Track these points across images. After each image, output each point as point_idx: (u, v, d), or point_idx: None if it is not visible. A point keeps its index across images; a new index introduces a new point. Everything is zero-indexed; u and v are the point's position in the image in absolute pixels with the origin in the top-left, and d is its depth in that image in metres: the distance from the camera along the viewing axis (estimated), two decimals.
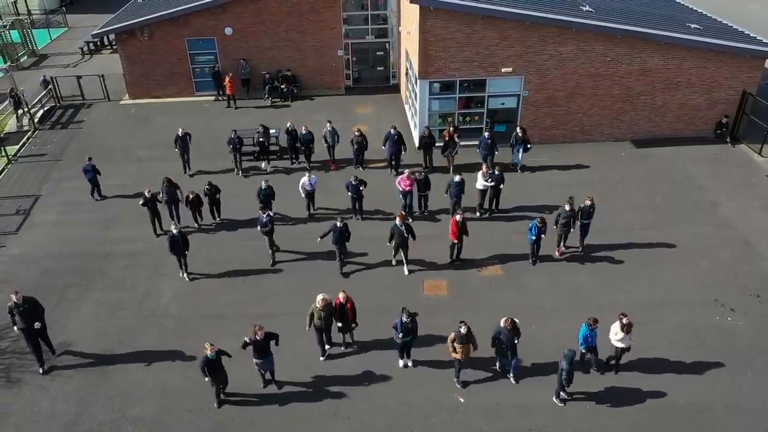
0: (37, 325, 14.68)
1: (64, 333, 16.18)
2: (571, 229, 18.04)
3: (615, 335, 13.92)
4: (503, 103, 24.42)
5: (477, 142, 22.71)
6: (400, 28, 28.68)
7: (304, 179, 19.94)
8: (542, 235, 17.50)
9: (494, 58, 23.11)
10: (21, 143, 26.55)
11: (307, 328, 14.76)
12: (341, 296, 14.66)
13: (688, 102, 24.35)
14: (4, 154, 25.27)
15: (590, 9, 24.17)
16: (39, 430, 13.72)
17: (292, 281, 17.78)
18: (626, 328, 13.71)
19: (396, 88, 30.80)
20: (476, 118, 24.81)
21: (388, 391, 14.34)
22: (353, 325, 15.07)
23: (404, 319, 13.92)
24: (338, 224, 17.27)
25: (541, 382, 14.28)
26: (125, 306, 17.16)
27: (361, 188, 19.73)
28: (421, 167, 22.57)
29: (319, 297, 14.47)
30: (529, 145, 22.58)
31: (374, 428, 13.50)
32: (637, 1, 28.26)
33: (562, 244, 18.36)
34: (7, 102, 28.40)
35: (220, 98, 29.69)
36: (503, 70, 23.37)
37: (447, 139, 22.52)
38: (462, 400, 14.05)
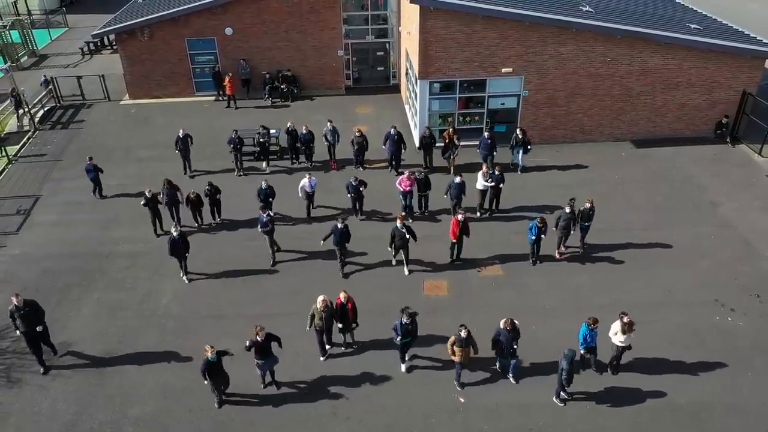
0: (39, 328, 14.69)
1: (65, 333, 16.19)
2: (572, 232, 18.07)
3: (615, 335, 13.93)
4: (503, 104, 24.43)
5: (477, 143, 22.73)
6: (400, 29, 28.69)
7: (305, 181, 19.94)
8: (542, 236, 17.50)
9: (494, 59, 23.12)
10: (21, 143, 26.57)
11: (307, 328, 14.77)
12: (342, 296, 14.67)
13: (688, 102, 24.35)
14: (4, 154, 25.28)
15: (590, 9, 24.18)
16: (39, 430, 13.73)
17: (292, 281, 17.79)
18: (627, 327, 13.71)
19: (396, 88, 30.81)
20: (476, 118, 24.82)
21: (387, 391, 14.35)
22: (353, 325, 15.08)
23: (404, 320, 13.92)
24: (339, 225, 17.28)
25: (541, 382, 14.29)
26: (125, 306, 17.17)
27: (361, 189, 19.74)
28: (422, 167, 22.58)
29: (320, 298, 14.48)
30: (529, 147, 22.59)
31: (374, 428, 13.50)
32: (637, 1, 28.27)
33: (562, 245, 18.37)
34: (9, 101, 28.45)
35: (220, 98, 29.70)
36: (503, 70, 23.38)
37: (447, 140, 22.54)
38: (462, 400, 14.06)
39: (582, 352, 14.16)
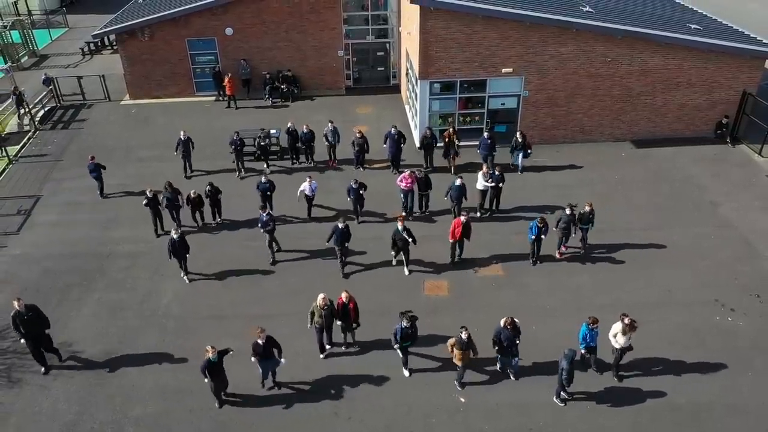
0: (47, 331, 14.73)
1: (65, 333, 16.20)
2: (572, 235, 18.09)
3: (614, 336, 13.90)
4: (504, 104, 24.45)
5: (477, 143, 22.74)
6: (400, 29, 28.70)
7: (305, 184, 19.92)
8: (542, 236, 17.51)
9: (495, 59, 23.14)
10: (22, 143, 26.58)
11: (308, 326, 14.79)
12: (344, 296, 14.67)
13: (688, 102, 24.37)
14: (5, 154, 25.29)
15: (590, 9, 24.19)
16: (40, 430, 13.74)
17: (292, 281, 17.80)
18: (629, 328, 13.69)
19: (396, 89, 30.82)
20: (476, 118, 24.84)
21: (388, 391, 14.36)
22: (354, 325, 15.08)
23: (404, 324, 13.90)
24: (340, 225, 17.31)
25: (541, 382, 14.30)
26: (126, 306, 17.18)
27: (361, 192, 19.76)
28: (422, 167, 22.58)
29: (320, 296, 14.50)
30: (529, 151, 22.61)
31: (374, 428, 13.51)
32: (637, 1, 28.28)
33: (562, 245, 18.38)
34: (10, 100, 28.52)
35: (220, 99, 29.71)
36: (504, 70, 23.39)
37: (447, 140, 22.56)
38: (463, 400, 14.07)
39: (582, 351, 14.18)
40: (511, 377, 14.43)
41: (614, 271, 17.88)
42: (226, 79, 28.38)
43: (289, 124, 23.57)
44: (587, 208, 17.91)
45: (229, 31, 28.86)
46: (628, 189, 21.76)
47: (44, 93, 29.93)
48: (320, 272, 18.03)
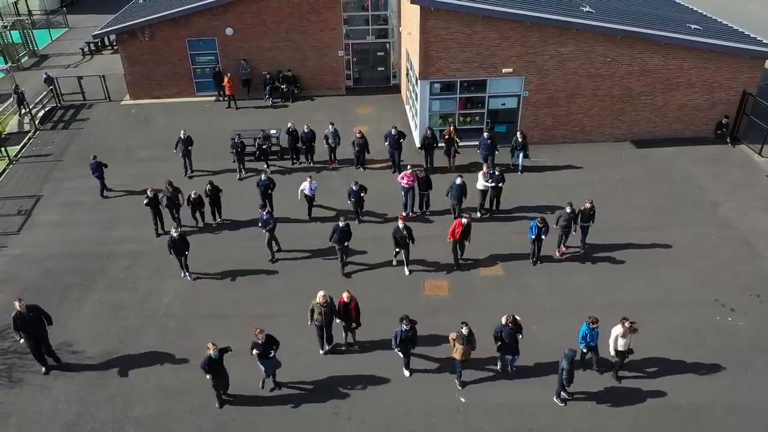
0: (48, 332, 14.75)
1: (66, 333, 16.21)
2: (572, 233, 18.10)
3: (615, 340, 13.85)
4: (504, 104, 24.46)
5: (477, 143, 22.75)
6: (400, 29, 28.72)
7: (305, 184, 19.94)
8: (543, 236, 17.53)
9: (495, 59, 23.15)
10: (22, 144, 26.59)
11: (308, 323, 14.81)
12: (345, 296, 14.68)
13: (688, 102, 24.38)
14: (5, 154, 25.30)
15: (590, 9, 24.20)
16: (41, 430, 13.75)
17: (293, 281, 17.82)
18: (628, 332, 13.68)
19: (396, 89, 30.84)
20: (477, 118, 24.85)
21: (389, 391, 14.37)
22: (353, 324, 15.09)
23: (404, 327, 13.91)
24: (340, 224, 17.34)
25: (541, 382, 14.31)
26: (126, 306, 17.19)
27: (362, 194, 19.78)
28: (422, 167, 22.60)
29: (320, 293, 14.52)
30: (527, 153, 22.63)
31: (375, 428, 13.53)
32: (637, 1, 28.29)
33: (562, 244, 18.40)
34: (12, 99, 28.57)
35: (221, 99, 29.72)
36: (504, 70, 23.40)
37: (447, 138, 22.60)
38: (463, 400, 14.08)
39: (583, 350, 14.19)
40: (509, 372, 14.44)
41: (614, 271, 17.89)
42: (226, 79, 28.40)
43: (289, 125, 23.58)
44: (587, 205, 17.92)
45: (229, 31, 28.88)
46: (628, 189, 21.77)
47: (44, 93, 29.94)
48: (321, 272, 18.04)
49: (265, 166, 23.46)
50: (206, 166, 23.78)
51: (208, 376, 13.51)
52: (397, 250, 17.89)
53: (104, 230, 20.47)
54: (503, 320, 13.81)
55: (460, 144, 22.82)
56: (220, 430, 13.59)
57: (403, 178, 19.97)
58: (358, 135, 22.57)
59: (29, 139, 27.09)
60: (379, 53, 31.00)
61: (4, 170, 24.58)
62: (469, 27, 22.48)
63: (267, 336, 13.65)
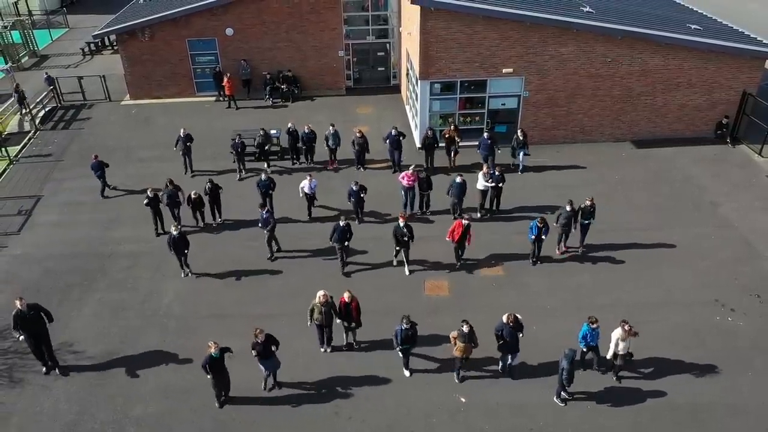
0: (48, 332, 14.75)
1: (66, 333, 16.22)
2: (572, 231, 18.11)
3: (615, 344, 13.87)
4: (504, 104, 24.47)
5: (477, 143, 22.76)
6: (400, 29, 28.73)
7: (305, 182, 19.97)
8: (543, 236, 17.54)
9: (495, 59, 23.16)
10: (22, 144, 26.61)
11: (308, 323, 14.82)
12: (346, 296, 14.67)
13: (688, 102, 24.39)
14: (5, 154, 25.31)
15: (591, 10, 24.21)
16: (41, 430, 13.77)
17: (293, 281, 17.83)
18: (628, 335, 13.69)
19: (397, 89, 30.85)
20: (477, 118, 24.86)
21: (389, 391, 14.39)
22: (353, 324, 15.10)
23: (404, 326, 13.93)
24: (341, 224, 17.36)
25: (541, 382, 14.33)
26: (127, 306, 17.21)
27: (362, 194, 19.80)
28: (423, 167, 22.61)
29: (320, 293, 14.53)
30: (527, 151, 22.65)
31: (376, 428, 13.54)
32: (637, 1, 28.30)
33: (562, 243, 18.41)
34: (13, 98, 28.59)
35: (221, 99, 29.73)
36: (504, 70, 23.41)
37: (447, 137, 22.62)
38: (463, 399, 14.10)
39: (583, 350, 14.20)
40: (508, 369, 14.46)
41: (614, 271, 17.90)
42: (225, 79, 28.41)
43: (289, 125, 23.60)
44: (588, 203, 17.94)
45: (229, 31, 28.89)
46: (629, 189, 21.78)
47: (45, 93, 29.96)
48: (321, 272, 18.05)
49: (266, 166, 23.48)
50: (206, 166, 23.79)
51: (209, 376, 13.52)
52: (398, 249, 17.93)
53: (105, 230, 20.48)
54: (504, 319, 13.85)
55: (459, 144, 22.82)
56: (220, 430, 13.60)
57: (403, 177, 19.99)
58: (358, 135, 22.58)
59: (29, 139, 27.10)
60: (379, 53, 31.01)
61: (5, 170, 24.59)
62: (470, 27, 22.49)
63: (267, 335, 13.66)
